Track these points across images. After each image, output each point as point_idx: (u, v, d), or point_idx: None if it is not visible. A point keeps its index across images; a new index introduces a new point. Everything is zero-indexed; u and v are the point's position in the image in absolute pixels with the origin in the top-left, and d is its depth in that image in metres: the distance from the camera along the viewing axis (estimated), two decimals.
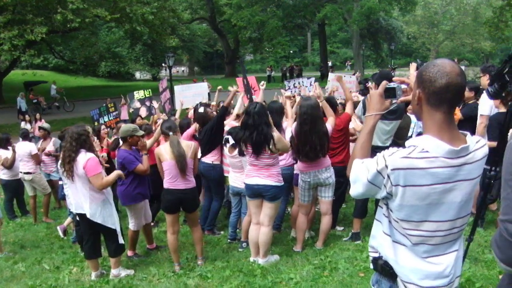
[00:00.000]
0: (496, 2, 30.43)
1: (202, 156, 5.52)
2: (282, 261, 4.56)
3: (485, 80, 4.80)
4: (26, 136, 7.67)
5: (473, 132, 3.48)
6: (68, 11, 18.71)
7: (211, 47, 47.29)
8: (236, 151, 4.83)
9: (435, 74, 1.58)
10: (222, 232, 5.82)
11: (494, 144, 3.95)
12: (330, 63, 41.68)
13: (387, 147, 2.17)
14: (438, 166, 1.58)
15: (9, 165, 6.90)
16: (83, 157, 4.26)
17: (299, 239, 4.90)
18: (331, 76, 9.63)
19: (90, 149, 4.38)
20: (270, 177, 4.33)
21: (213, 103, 7.30)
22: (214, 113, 5.97)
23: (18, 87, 23.87)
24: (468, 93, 5.38)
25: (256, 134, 4.19)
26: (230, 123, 5.64)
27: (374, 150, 1.70)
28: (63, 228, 6.30)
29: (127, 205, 5.09)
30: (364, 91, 7.33)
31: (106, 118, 10.12)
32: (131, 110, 9.61)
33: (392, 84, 1.86)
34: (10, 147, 6.98)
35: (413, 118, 5.31)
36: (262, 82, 6.18)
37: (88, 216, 4.39)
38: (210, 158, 5.53)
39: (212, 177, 5.60)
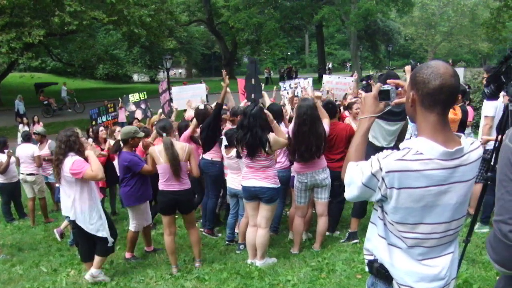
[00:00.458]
0: (493, 3, 30.53)
1: (203, 153, 5.59)
2: (279, 263, 4.56)
3: None
4: (29, 138, 7.67)
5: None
6: (66, 14, 18.74)
7: (209, 49, 47.36)
8: (232, 152, 4.83)
9: (429, 76, 1.57)
10: (220, 235, 5.81)
11: None
12: (330, 65, 41.71)
13: (391, 148, 2.16)
14: (432, 168, 1.57)
15: (2, 170, 6.92)
16: (69, 161, 4.24)
17: (296, 241, 4.89)
18: (326, 78, 9.69)
19: (80, 150, 4.35)
20: (267, 179, 4.33)
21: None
22: None
23: (16, 89, 23.89)
24: None
25: (250, 136, 4.19)
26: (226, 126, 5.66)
27: (380, 151, 1.68)
28: (60, 231, 6.27)
29: (131, 206, 5.07)
30: (367, 88, 7.35)
31: (104, 118, 10.19)
32: (126, 113, 9.64)
33: (386, 86, 1.85)
34: (6, 151, 6.98)
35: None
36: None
37: (71, 218, 4.37)
38: (210, 155, 5.55)
39: (210, 173, 5.60)
